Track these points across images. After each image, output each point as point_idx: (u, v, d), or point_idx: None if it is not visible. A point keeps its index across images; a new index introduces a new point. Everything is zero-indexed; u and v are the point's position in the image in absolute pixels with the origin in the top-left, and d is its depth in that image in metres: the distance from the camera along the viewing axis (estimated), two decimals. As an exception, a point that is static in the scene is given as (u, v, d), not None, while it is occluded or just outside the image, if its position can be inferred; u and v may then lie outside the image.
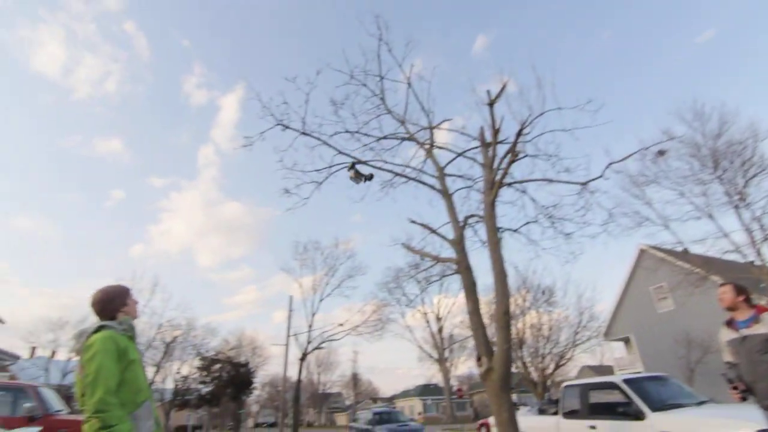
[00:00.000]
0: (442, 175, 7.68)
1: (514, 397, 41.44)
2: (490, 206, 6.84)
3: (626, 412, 5.25)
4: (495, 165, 7.18)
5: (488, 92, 7.25)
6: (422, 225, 7.45)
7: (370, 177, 7.72)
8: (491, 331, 6.68)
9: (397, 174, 7.97)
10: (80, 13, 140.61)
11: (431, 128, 8.26)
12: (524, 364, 21.36)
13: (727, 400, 4.86)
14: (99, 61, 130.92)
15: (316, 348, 25.98)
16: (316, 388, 62.90)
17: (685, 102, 18.13)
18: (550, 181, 7.22)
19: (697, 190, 13.31)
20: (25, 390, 6.60)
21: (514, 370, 26.59)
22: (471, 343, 46.18)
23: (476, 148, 7.77)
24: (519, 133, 6.94)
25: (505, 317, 6.05)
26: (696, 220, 13.22)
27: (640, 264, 22.34)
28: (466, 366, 59.34)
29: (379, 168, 7.89)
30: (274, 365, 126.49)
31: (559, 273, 39.00)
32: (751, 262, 12.54)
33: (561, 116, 7.47)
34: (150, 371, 32.82)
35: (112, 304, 2.30)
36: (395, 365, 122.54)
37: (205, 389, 37.72)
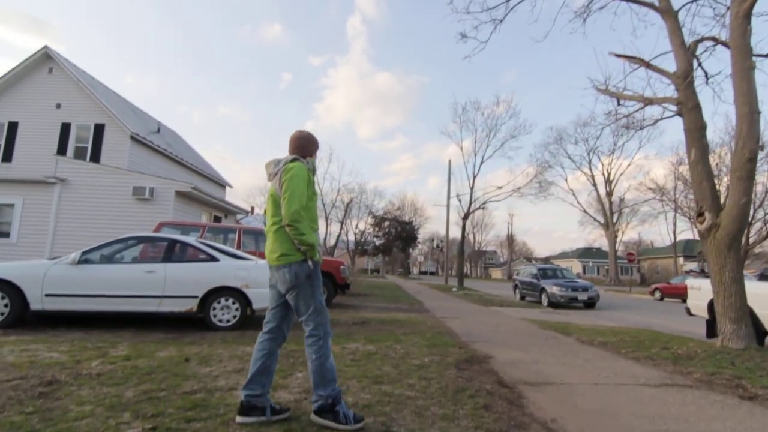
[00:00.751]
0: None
1: (694, 265, 36.99)
2: (744, 18, 5.02)
3: None
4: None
5: None
6: (630, 58, 6.03)
7: None
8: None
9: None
10: None
11: None
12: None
13: None
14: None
15: (478, 208, 26.78)
16: (473, 245, 67.70)
17: None
18: None
19: None
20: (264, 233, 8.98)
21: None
22: (643, 208, 41.31)
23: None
24: None
25: (748, 165, 4.87)
26: None
27: None
28: (635, 231, 54.69)
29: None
30: (433, 224, 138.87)
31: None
32: None
33: None
34: (335, 227, 40.60)
35: (310, 146, 2.61)
36: (551, 228, 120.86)
37: (378, 242, 45.80)
